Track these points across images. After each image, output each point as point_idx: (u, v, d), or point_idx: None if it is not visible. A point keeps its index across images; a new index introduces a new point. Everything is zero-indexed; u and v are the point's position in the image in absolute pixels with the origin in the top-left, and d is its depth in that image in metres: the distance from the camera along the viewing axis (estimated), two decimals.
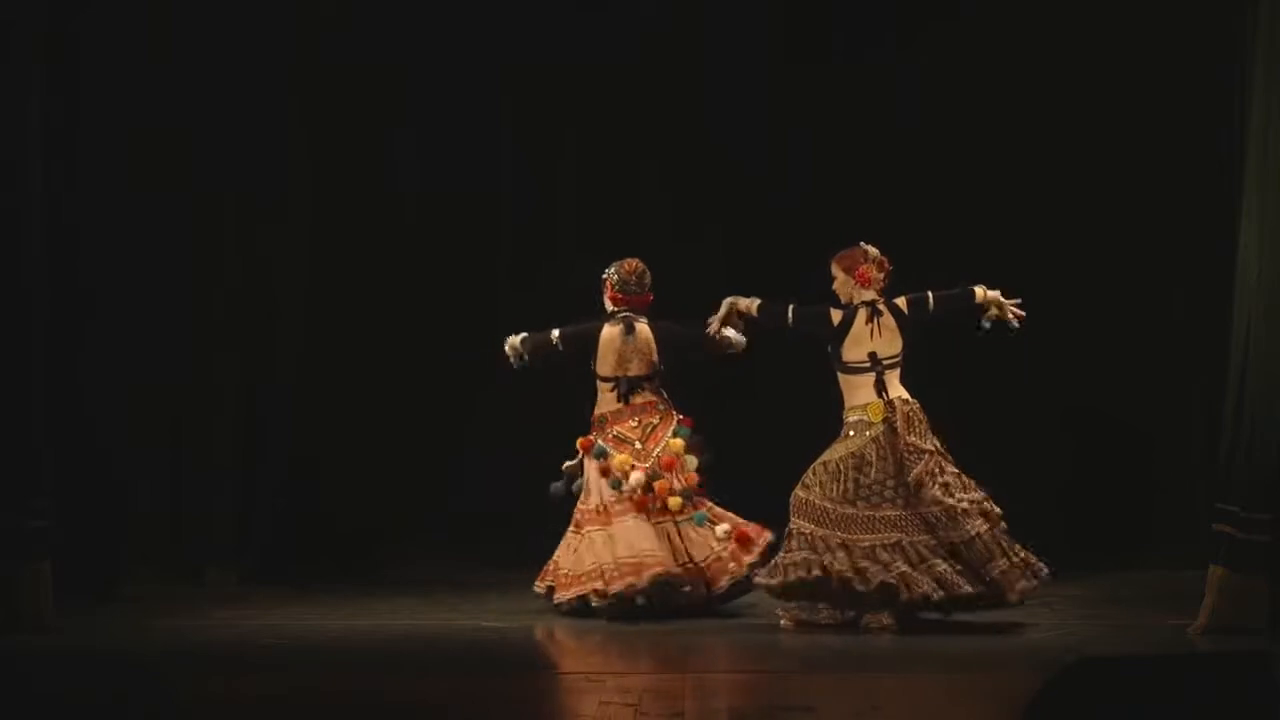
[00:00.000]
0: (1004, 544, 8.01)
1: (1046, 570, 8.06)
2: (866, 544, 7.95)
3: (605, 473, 8.54)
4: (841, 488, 8.03)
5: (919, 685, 6.98)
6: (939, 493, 7.98)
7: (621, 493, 8.48)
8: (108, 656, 7.24)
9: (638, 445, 8.58)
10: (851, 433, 8.11)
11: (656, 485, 8.48)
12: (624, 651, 7.85)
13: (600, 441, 8.61)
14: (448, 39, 10.25)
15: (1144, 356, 10.24)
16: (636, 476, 8.48)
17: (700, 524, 8.50)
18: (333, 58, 10.13)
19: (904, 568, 7.91)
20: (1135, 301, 10.26)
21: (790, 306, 8.26)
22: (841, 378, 8.19)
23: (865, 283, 8.22)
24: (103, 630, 8.01)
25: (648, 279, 8.75)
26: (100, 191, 9.19)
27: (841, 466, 8.06)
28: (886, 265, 8.28)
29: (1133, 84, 10.08)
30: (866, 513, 8.00)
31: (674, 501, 8.49)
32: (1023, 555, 8.02)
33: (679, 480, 8.54)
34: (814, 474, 8.10)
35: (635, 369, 8.67)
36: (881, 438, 8.05)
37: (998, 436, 10.27)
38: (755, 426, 9.94)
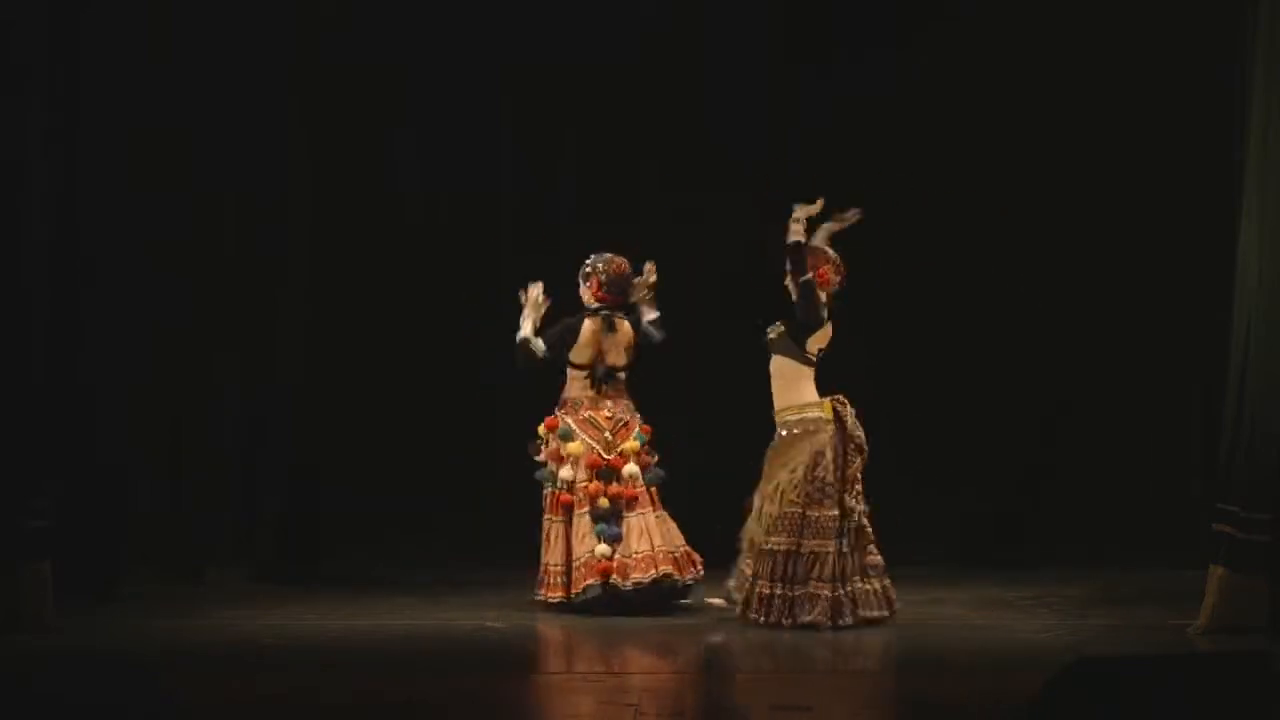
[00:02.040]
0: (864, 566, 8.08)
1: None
2: (819, 552, 7.95)
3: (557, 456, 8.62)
4: (803, 490, 7.99)
5: (918, 685, 6.98)
6: (853, 501, 8.02)
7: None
8: (108, 656, 7.27)
9: (608, 435, 8.63)
10: (811, 429, 8.05)
11: (591, 487, 8.52)
12: (623, 651, 7.85)
13: (568, 421, 8.65)
14: (448, 39, 10.26)
15: (1144, 356, 10.25)
16: (565, 472, 8.56)
17: (598, 535, 8.50)
18: (333, 58, 10.13)
19: (827, 592, 7.94)
20: (1135, 301, 10.26)
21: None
22: (793, 369, 8.13)
23: (824, 283, 8.19)
24: (103, 630, 8.01)
25: (633, 279, 8.78)
26: (100, 191, 9.18)
27: (803, 469, 8.01)
28: (844, 269, 8.25)
29: (1132, 85, 10.09)
30: (815, 512, 7.98)
31: (603, 502, 8.53)
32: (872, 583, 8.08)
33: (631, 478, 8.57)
34: (778, 486, 8.06)
35: (613, 359, 8.73)
36: (834, 434, 8.05)
37: (997, 437, 10.29)
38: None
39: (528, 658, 7.68)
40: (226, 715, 6.19)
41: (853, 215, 8.25)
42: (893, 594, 8.09)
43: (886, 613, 8.04)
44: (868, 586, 8.04)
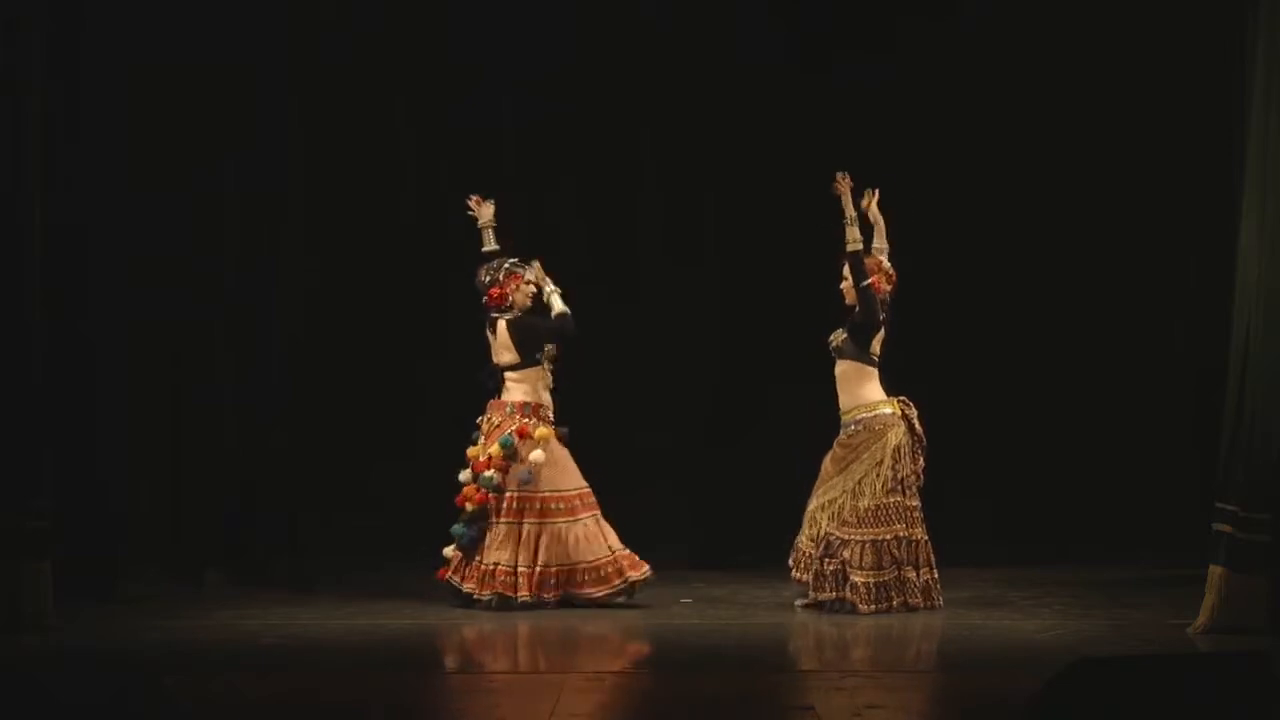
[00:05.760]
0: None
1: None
2: (912, 539, 8.36)
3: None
4: (888, 482, 8.33)
5: (919, 685, 6.98)
6: (911, 495, 8.47)
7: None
8: (108, 656, 7.26)
9: (483, 439, 8.79)
10: (885, 424, 8.39)
11: (465, 490, 8.71)
12: (623, 651, 7.86)
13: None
14: (447, 39, 10.25)
15: (1144, 356, 10.26)
16: (462, 475, 8.76)
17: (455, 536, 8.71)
18: (333, 58, 10.13)
19: (915, 576, 8.39)
20: (1135, 301, 10.27)
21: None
22: (858, 371, 8.44)
23: (875, 291, 8.46)
24: (103, 630, 8.01)
25: (483, 276, 8.84)
26: (100, 191, 9.18)
27: (889, 461, 8.34)
28: (894, 278, 8.54)
29: (1133, 85, 10.10)
30: (905, 500, 8.37)
31: (469, 506, 8.68)
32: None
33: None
34: (865, 480, 8.36)
35: (496, 359, 8.85)
36: (906, 430, 8.42)
37: (997, 437, 10.29)
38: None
39: (527, 657, 7.68)
40: (226, 715, 6.19)
41: (845, 180, 8.43)
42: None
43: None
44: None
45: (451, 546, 8.70)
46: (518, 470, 8.61)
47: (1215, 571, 7.77)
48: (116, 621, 8.27)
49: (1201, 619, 7.75)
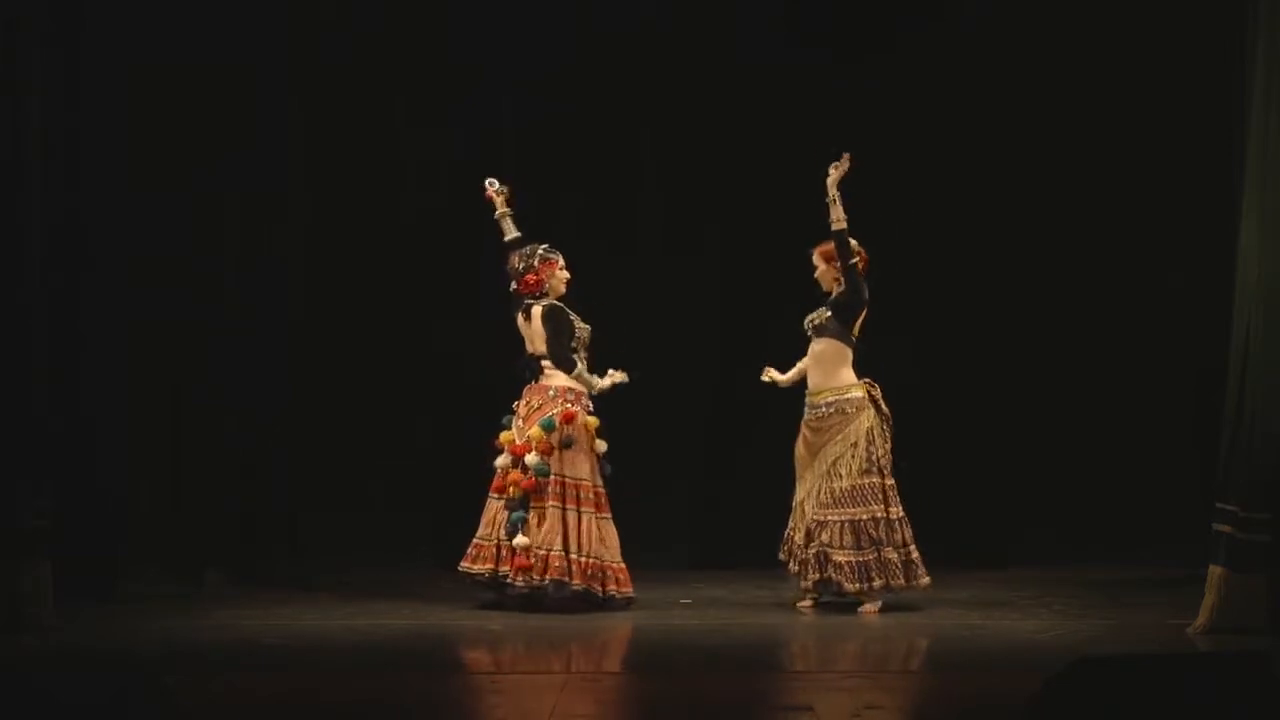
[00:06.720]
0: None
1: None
2: (889, 518, 8.37)
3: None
4: (864, 463, 8.35)
5: (919, 685, 6.98)
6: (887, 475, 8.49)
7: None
8: (108, 656, 7.26)
9: (520, 422, 8.67)
10: (856, 407, 8.40)
11: (510, 475, 8.60)
12: (622, 651, 7.86)
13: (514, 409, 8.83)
14: (447, 39, 10.26)
15: (1144, 355, 10.26)
16: (499, 460, 8.68)
17: (509, 524, 8.56)
18: (333, 58, 10.14)
19: (896, 556, 8.38)
20: (1135, 301, 10.28)
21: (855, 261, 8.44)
22: (836, 351, 8.46)
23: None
24: (103, 630, 8.01)
25: (516, 265, 8.79)
26: (100, 191, 9.18)
27: (863, 443, 8.36)
28: (865, 258, 8.50)
29: (1133, 85, 10.10)
30: (881, 480, 8.39)
31: (513, 490, 8.59)
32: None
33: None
34: (841, 461, 8.38)
35: (533, 347, 8.77)
36: (875, 413, 8.44)
37: (997, 436, 10.29)
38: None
39: (527, 657, 7.68)
40: (226, 715, 6.19)
41: (845, 161, 8.45)
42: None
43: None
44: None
45: (520, 537, 8.49)
46: (575, 457, 8.53)
47: (1215, 571, 7.77)
48: (116, 621, 8.27)
49: (1201, 619, 7.75)
